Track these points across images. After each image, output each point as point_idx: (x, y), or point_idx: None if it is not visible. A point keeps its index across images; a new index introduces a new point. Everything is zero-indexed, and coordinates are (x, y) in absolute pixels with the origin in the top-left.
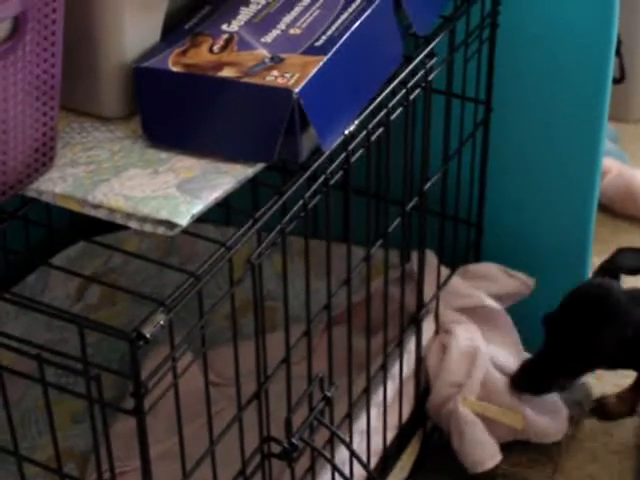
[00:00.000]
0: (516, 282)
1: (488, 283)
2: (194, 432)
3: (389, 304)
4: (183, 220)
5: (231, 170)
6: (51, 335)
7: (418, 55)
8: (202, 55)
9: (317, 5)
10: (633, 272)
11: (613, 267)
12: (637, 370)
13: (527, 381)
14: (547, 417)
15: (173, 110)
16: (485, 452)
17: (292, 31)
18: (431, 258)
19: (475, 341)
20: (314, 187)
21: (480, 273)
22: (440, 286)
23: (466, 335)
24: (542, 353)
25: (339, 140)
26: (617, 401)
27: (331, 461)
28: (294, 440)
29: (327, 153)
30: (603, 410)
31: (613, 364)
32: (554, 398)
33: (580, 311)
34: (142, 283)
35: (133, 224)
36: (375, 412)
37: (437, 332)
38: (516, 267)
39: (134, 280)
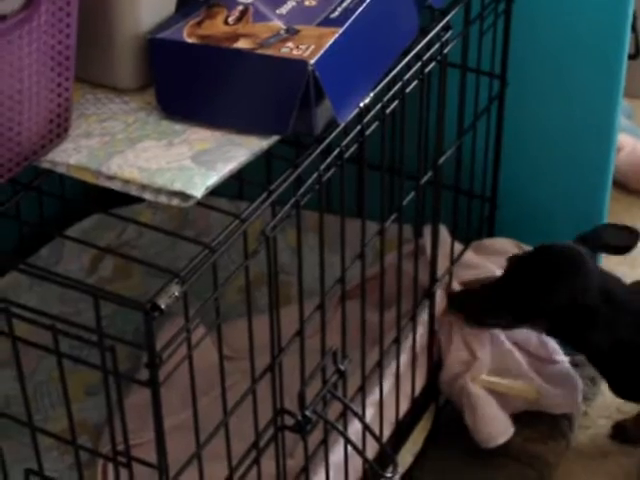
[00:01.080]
0: None
1: (502, 258)
2: (208, 405)
3: (402, 278)
4: (198, 192)
5: (246, 142)
6: (65, 307)
7: (434, 28)
8: (217, 26)
9: None
10: (612, 250)
11: (593, 241)
12: (571, 344)
13: (463, 304)
14: (560, 388)
15: (188, 82)
16: (497, 428)
17: (307, 3)
18: (444, 233)
19: None
20: (328, 160)
21: (494, 248)
22: (453, 261)
23: None
24: (491, 286)
25: (354, 113)
26: (636, 425)
27: (344, 434)
28: (307, 413)
29: (342, 126)
30: (622, 433)
31: (552, 326)
32: (568, 369)
33: (542, 261)
34: (156, 256)
35: (148, 195)
36: (388, 384)
37: None
38: (529, 242)
39: (147, 253)
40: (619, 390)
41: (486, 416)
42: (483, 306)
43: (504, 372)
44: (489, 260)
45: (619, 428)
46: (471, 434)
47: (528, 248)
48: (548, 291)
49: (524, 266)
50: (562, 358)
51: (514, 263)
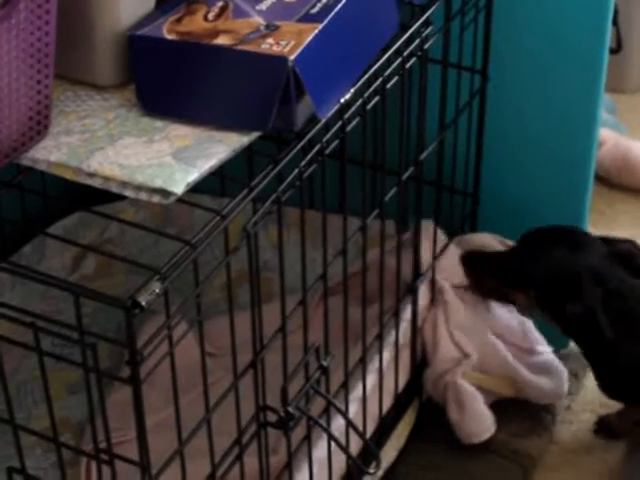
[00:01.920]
0: None
1: None
2: (190, 402)
3: (385, 274)
4: (178, 188)
5: (226, 139)
6: (47, 306)
7: (414, 24)
8: (197, 23)
9: None
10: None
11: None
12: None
13: (475, 264)
14: (545, 377)
15: (168, 78)
16: (482, 424)
17: None
18: (428, 227)
19: (475, 309)
20: (309, 156)
21: (475, 243)
22: (436, 255)
23: (462, 307)
24: (499, 253)
25: (335, 109)
26: (620, 419)
27: (327, 430)
28: (290, 409)
29: (323, 122)
30: (606, 428)
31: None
32: (552, 360)
33: (545, 235)
34: (138, 254)
35: (128, 192)
36: (371, 380)
37: (433, 301)
38: (512, 237)
39: (130, 251)
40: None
41: (474, 412)
42: (490, 269)
43: (488, 366)
44: None
45: (603, 423)
46: (455, 430)
47: (510, 243)
48: (536, 259)
49: (529, 239)
50: (546, 349)
51: (523, 236)
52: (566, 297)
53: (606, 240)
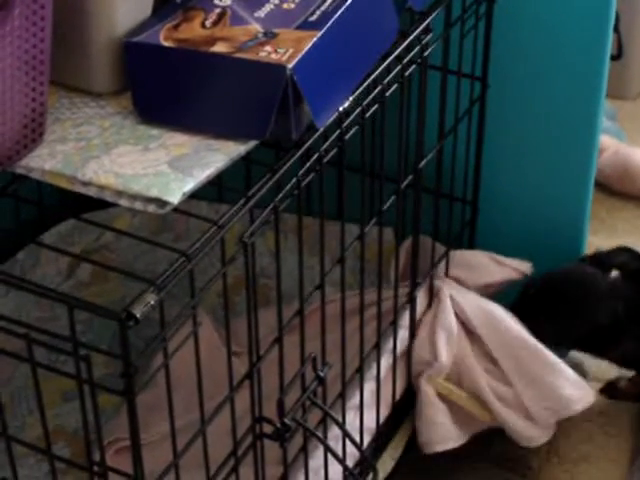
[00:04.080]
0: (506, 270)
1: (478, 274)
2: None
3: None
4: (174, 198)
5: (223, 147)
6: (42, 312)
7: (414, 31)
8: (194, 30)
9: None
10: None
11: (603, 261)
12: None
13: None
14: (525, 420)
15: (164, 86)
16: (438, 434)
17: (286, 6)
18: (425, 239)
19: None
20: (308, 165)
21: (469, 263)
22: (434, 264)
23: (453, 315)
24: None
25: (333, 117)
26: (629, 384)
27: (324, 441)
28: (286, 420)
29: (321, 130)
30: (613, 390)
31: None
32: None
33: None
34: (135, 259)
35: (123, 202)
36: (368, 387)
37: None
38: (511, 245)
39: (126, 256)
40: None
41: (430, 420)
42: None
43: (463, 382)
44: (464, 275)
45: (610, 384)
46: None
47: (505, 260)
48: (571, 324)
49: (540, 300)
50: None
51: (528, 297)
52: (609, 342)
53: (597, 257)
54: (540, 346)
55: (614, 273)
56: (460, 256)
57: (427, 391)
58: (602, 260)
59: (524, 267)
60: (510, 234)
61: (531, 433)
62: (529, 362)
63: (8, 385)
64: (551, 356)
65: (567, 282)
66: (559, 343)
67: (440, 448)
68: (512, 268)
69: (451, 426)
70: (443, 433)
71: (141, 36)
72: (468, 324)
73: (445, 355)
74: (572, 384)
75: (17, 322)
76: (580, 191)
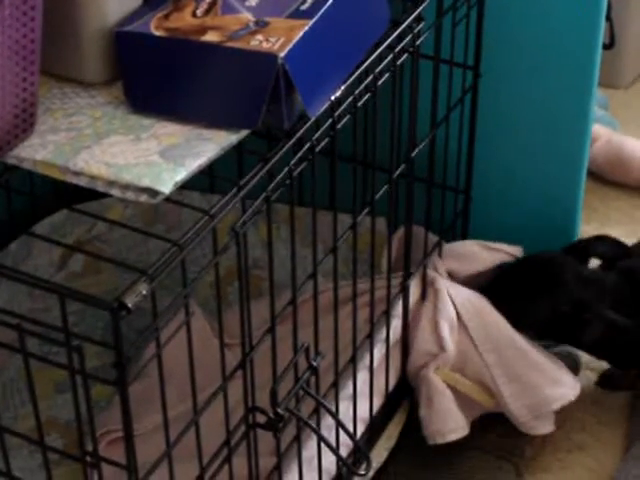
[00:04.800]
0: (498, 255)
1: (469, 263)
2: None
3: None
4: (166, 188)
5: (215, 137)
6: (35, 303)
7: (406, 19)
8: (185, 19)
9: None
10: (604, 260)
11: (586, 249)
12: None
13: None
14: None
15: (155, 75)
16: (449, 424)
17: None
18: (418, 229)
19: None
20: (300, 154)
21: (459, 253)
22: (427, 253)
23: (450, 304)
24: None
25: (325, 106)
26: (622, 373)
27: (317, 431)
28: (280, 410)
29: (313, 119)
30: (608, 381)
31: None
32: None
33: (523, 277)
34: (127, 250)
35: (115, 192)
36: (362, 377)
37: (423, 297)
38: (504, 234)
39: (119, 247)
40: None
41: (441, 410)
42: None
43: (468, 370)
44: (455, 265)
45: (605, 375)
46: (422, 427)
47: (496, 245)
48: (531, 308)
49: (507, 281)
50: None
51: (498, 277)
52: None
53: (577, 245)
54: (526, 344)
55: (595, 262)
56: (450, 248)
57: (436, 382)
58: (581, 249)
59: (515, 250)
60: (503, 223)
61: (534, 422)
62: (513, 359)
63: (0, 376)
64: (536, 354)
65: (533, 266)
66: (522, 327)
67: (453, 437)
68: (503, 252)
69: (460, 415)
70: (455, 422)
71: (132, 25)
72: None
73: (451, 345)
74: (554, 382)
75: (10, 313)
76: (573, 180)
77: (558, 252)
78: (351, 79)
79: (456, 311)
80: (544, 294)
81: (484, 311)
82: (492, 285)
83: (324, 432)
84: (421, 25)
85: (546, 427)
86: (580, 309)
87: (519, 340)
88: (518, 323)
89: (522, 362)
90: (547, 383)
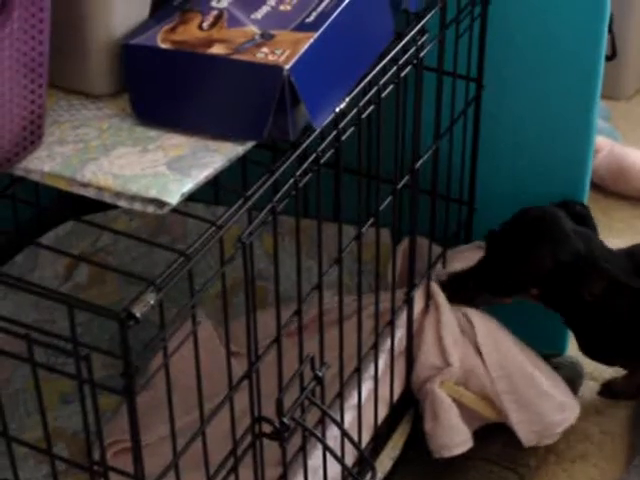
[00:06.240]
0: None
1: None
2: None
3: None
4: (173, 199)
5: (221, 148)
6: (40, 315)
7: (409, 32)
8: (191, 32)
9: None
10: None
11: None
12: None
13: (453, 292)
14: (528, 417)
15: (162, 87)
16: (454, 438)
17: (282, 7)
18: (422, 240)
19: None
20: (305, 165)
21: (462, 255)
22: (431, 265)
23: (453, 317)
24: (475, 268)
25: (330, 118)
26: (625, 382)
27: (322, 441)
28: (285, 420)
29: (318, 131)
30: (610, 390)
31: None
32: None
33: (520, 228)
34: (132, 262)
35: (122, 203)
36: (366, 389)
37: (426, 308)
38: None
39: (124, 259)
40: (590, 350)
41: (447, 424)
42: (471, 287)
43: (471, 383)
44: (460, 267)
45: (607, 386)
46: (427, 441)
47: None
48: (533, 262)
49: (503, 241)
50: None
51: (493, 240)
52: (577, 283)
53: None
54: (534, 369)
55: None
56: (453, 254)
57: (442, 397)
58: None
59: None
60: None
61: (539, 441)
62: (523, 388)
63: (6, 387)
64: (544, 381)
65: (531, 219)
66: (524, 279)
67: (458, 451)
68: None
69: (465, 428)
70: (461, 436)
71: (139, 38)
72: (474, 339)
73: (456, 359)
74: (559, 408)
75: (17, 323)
76: (576, 191)
77: (553, 206)
78: (355, 91)
79: (473, 334)
80: (545, 244)
81: (498, 335)
82: (494, 238)
83: (329, 442)
84: (425, 37)
85: (550, 440)
86: (581, 261)
87: (528, 366)
88: (520, 275)
89: (531, 390)
90: (553, 410)
